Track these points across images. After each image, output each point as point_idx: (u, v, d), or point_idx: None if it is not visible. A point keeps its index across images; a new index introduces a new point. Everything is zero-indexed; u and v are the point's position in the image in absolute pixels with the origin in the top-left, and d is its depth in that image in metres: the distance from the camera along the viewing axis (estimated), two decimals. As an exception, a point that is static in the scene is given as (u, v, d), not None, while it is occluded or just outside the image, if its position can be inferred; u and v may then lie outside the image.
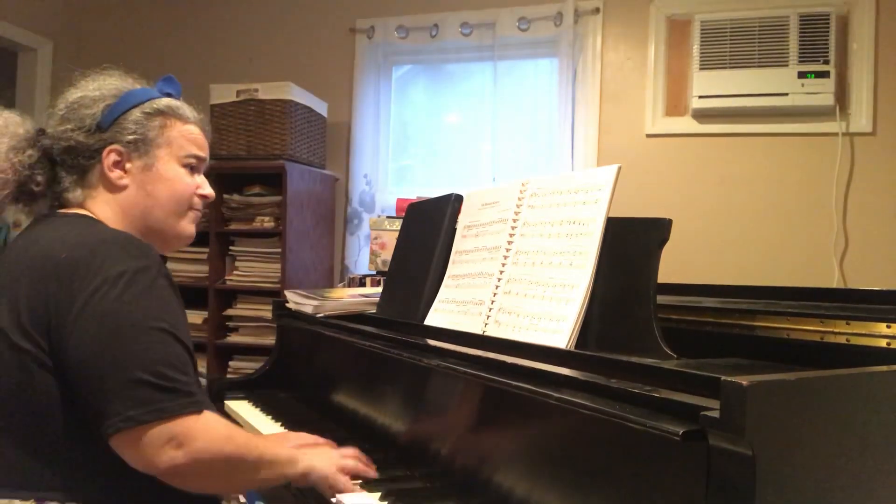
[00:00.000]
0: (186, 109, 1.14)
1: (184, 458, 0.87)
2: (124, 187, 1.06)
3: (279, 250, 2.88)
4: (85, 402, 0.89)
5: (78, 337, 0.88)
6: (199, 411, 0.90)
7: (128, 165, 1.06)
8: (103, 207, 1.06)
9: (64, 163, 1.06)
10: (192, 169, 1.13)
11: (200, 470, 0.90)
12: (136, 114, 1.07)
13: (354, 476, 1.07)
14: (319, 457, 1.07)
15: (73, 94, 1.08)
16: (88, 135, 1.05)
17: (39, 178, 1.06)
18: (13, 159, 1.03)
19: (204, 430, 0.90)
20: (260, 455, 0.98)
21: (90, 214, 1.05)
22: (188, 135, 1.12)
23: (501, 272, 1.23)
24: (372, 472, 1.10)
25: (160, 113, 1.10)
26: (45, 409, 0.90)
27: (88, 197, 1.06)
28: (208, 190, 1.16)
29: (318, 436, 1.26)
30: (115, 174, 1.05)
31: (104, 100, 1.07)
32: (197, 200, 1.14)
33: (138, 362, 0.87)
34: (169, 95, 1.13)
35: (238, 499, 1.15)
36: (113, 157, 1.05)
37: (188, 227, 1.14)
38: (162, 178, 1.08)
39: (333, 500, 1.05)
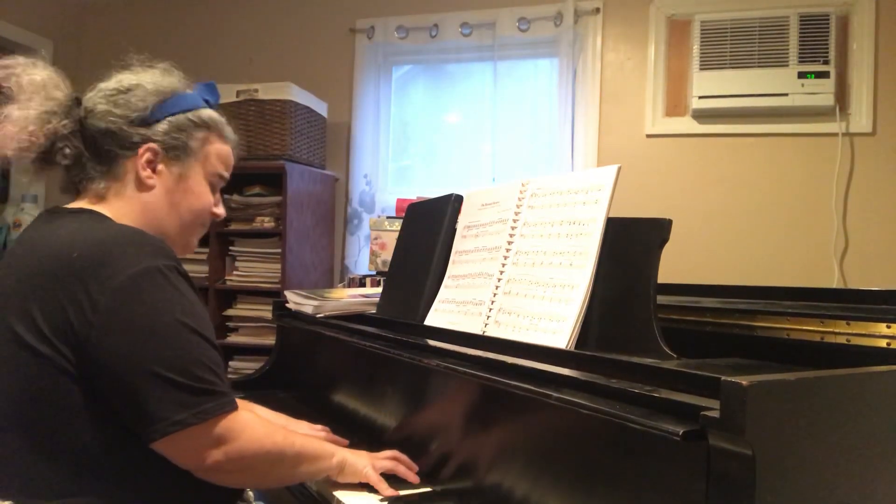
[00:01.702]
0: (227, 129, 1.14)
1: (226, 457, 0.90)
2: (150, 188, 1.04)
3: (279, 250, 2.89)
4: (119, 406, 0.88)
5: (109, 343, 0.86)
6: (235, 410, 0.92)
7: (160, 167, 1.05)
8: (121, 204, 1.03)
9: (96, 145, 1.02)
10: (213, 186, 1.12)
11: (242, 466, 0.93)
12: (183, 119, 1.06)
13: (393, 477, 1.08)
14: (354, 454, 1.09)
15: (129, 79, 1.06)
16: (131, 125, 1.02)
17: (67, 152, 1.01)
18: (48, 123, 0.98)
19: (244, 428, 0.92)
20: (300, 450, 1.00)
21: (99, 211, 1.01)
22: (223, 154, 1.12)
23: (501, 272, 1.23)
24: (412, 476, 1.09)
25: (206, 125, 1.09)
26: (65, 415, 0.88)
27: (111, 190, 1.03)
28: (222, 210, 1.15)
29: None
30: (146, 173, 1.03)
31: (158, 95, 1.05)
32: (208, 217, 1.13)
33: (174, 366, 0.87)
34: (207, 103, 1.12)
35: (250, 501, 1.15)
36: (148, 155, 1.03)
37: (194, 242, 1.14)
38: (191, 190, 1.07)
39: (334, 500, 1.05)
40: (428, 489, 1.07)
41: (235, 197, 2.97)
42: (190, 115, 1.07)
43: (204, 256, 2.98)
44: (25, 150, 0.98)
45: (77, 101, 1.03)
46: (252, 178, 2.99)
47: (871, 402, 0.73)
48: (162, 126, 1.04)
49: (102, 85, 1.05)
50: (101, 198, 1.03)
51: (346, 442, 1.23)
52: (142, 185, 1.04)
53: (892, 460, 0.74)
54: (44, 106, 0.99)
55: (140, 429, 0.87)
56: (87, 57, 3.69)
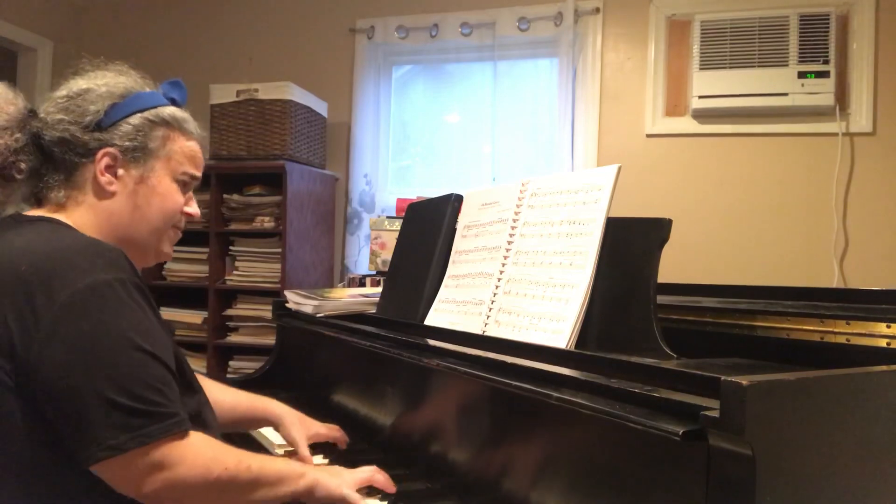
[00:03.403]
0: (191, 124, 1.09)
1: (167, 483, 0.84)
2: (112, 194, 1.00)
3: (279, 250, 2.88)
4: (58, 426, 0.83)
5: (47, 360, 0.82)
6: (182, 433, 0.86)
7: (120, 172, 1.00)
8: (84, 213, 0.99)
9: (53, 156, 0.99)
10: (184, 185, 1.07)
11: (187, 494, 0.87)
12: (139, 119, 1.01)
13: (371, 490, 1.03)
14: (329, 473, 1.02)
15: (79, 84, 1.02)
16: (85, 131, 0.98)
17: (23, 166, 0.98)
18: None
19: (186, 455, 0.86)
20: (256, 474, 0.93)
21: (59, 219, 0.97)
22: (188, 151, 1.07)
23: (501, 272, 1.23)
24: (391, 487, 1.04)
25: (165, 123, 1.04)
26: (9, 433, 0.84)
27: (71, 199, 0.99)
28: (195, 209, 1.10)
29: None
30: (105, 178, 0.99)
31: (111, 98, 1.01)
32: (181, 218, 1.08)
33: (113, 386, 0.82)
34: (173, 101, 1.08)
35: None
36: (107, 160, 0.99)
37: (168, 247, 1.09)
38: (154, 192, 1.03)
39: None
40: (428, 486, 1.07)
41: (235, 197, 2.97)
42: (147, 114, 1.02)
43: (204, 256, 2.98)
44: None
45: (33, 114, 1.00)
46: (252, 177, 2.99)
47: (871, 402, 0.73)
48: (118, 129, 1.00)
49: (54, 94, 1.02)
50: (60, 206, 1.00)
51: (347, 439, 1.22)
52: (102, 192, 0.99)
53: (892, 460, 0.74)
54: None
55: (76, 451, 0.82)
56: (87, 57, 3.68)
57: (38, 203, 1.01)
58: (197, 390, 1.03)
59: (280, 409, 1.31)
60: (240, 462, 0.92)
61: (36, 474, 0.86)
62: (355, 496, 0.99)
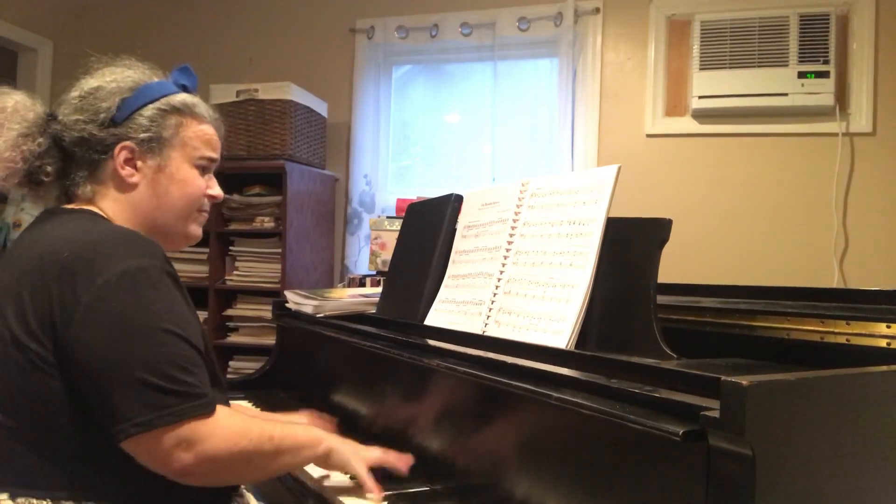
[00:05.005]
0: (202, 108, 1.11)
1: (194, 460, 0.87)
2: (135, 186, 1.04)
3: (279, 250, 2.88)
4: (92, 404, 0.88)
5: (83, 340, 0.87)
6: (209, 412, 0.89)
7: (139, 163, 1.04)
8: (112, 205, 1.04)
9: (75, 155, 1.03)
10: (203, 169, 1.11)
11: (214, 468, 0.91)
12: (151, 110, 1.05)
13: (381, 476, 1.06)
14: (344, 442, 1.07)
15: (89, 83, 1.06)
16: (101, 128, 1.02)
17: (49, 169, 1.03)
18: (22, 146, 1.00)
19: (214, 431, 0.89)
20: (279, 443, 0.97)
21: (97, 211, 1.03)
22: (203, 135, 1.10)
23: (501, 272, 1.23)
24: (402, 466, 1.07)
25: (176, 111, 1.07)
26: (54, 410, 0.89)
27: (98, 194, 1.04)
28: (217, 191, 1.13)
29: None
30: (126, 171, 1.03)
31: (121, 93, 1.04)
32: (205, 202, 1.12)
33: (145, 365, 0.86)
34: (184, 88, 1.10)
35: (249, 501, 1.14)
36: (125, 154, 1.03)
37: (196, 229, 1.12)
38: (174, 179, 1.06)
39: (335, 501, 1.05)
40: (428, 488, 1.07)
41: (235, 197, 2.97)
42: (158, 103, 1.06)
43: (204, 256, 2.98)
44: (9, 177, 1.01)
45: (52, 117, 1.04)
46: (252, 178, 2.99)
47: (871, 402, 0.73)
48: (132, 122, 1.03)
49: (67, 95, 1.06)
50: (89, 201, 1.04)
51: (332, 427, 1.24)
52: (125, 185, 1.04)
53: (892, 460, 0.74)
54: (15, 131, 0.99)
55: (108, 428, 0.86)
56: (87, 57, 3.68)
57: (69, 200, 1.06)
58: (221, 382, 1.06)
59: None
60: (263, 432, 0.96)
61: (78, 451, 0.90)
62: (363, 470, 1.04)
